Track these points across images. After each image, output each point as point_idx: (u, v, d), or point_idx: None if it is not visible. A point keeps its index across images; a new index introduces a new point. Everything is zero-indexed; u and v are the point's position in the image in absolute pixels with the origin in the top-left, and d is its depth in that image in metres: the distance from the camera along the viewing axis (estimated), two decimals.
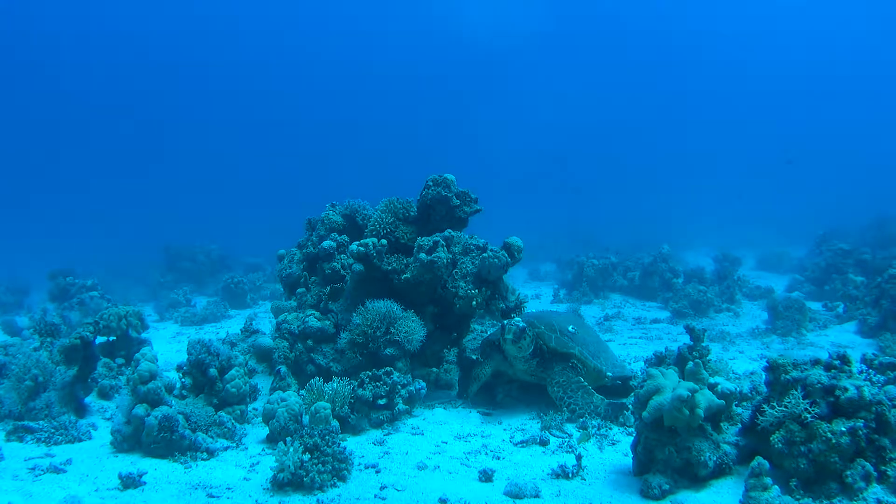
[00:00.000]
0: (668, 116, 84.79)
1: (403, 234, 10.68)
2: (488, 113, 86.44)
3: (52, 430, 8.69)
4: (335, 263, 11.14)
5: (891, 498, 5.95)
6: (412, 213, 10.87)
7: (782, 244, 29.95)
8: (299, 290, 11.57)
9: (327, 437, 7.24)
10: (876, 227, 28.74)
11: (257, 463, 7.82)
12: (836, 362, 6.84)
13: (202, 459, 7.94)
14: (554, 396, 9.15)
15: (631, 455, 7.32)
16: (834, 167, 61.56)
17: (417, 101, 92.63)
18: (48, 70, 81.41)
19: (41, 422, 8.93)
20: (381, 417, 8.93)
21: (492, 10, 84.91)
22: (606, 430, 8.50)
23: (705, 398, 6.70)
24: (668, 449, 6.67)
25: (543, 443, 8.20)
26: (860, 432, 6.15)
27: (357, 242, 10.25)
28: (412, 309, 10.00)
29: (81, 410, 9.72)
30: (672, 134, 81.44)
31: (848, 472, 6.07)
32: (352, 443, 8.12)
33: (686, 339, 9.93)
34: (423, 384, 9.43)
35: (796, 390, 6.55)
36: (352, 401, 8.81)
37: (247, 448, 8.36)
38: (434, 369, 10.63)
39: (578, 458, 7.35)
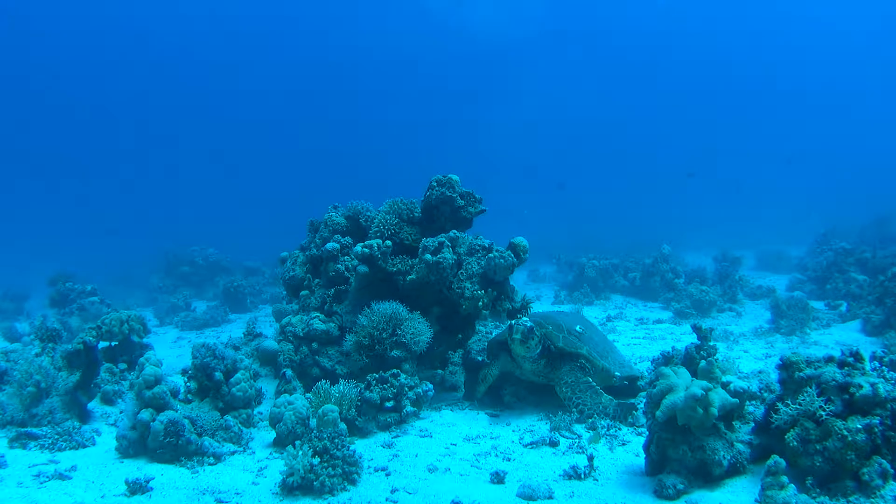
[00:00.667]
0: (667, 116, 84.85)
1: (408, 236, 10.62)
2: (489, 113, 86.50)
3: (56, 437, 8.60)
4: (339, 265, 11.07)
5: None
6: (416, 214, 10.82)
7: (780, 244, 29.94)
8: (303, 293, 11.49)
9: (336, 440, 7.17)
10: (876, 225, 28.73)
11: (265, 467, 7.73)
12: (850, 359, 6.77)
13: (209, 464, 7.85)
14: (562, 397, 9.09)
15: (643, 455, 7.26)
16: (830, 167, 61.65)
17: (419, 101, 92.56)
18: (47, 71, 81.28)
19: (44, 428, 8.83)
20: (388, 420, 8.86)
21: (493, 9, 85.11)
22: (616, 431, 8.43)
23: (719, 397, 6.63)
24: (681, 448, 6.61)
25: (553, 444, 8.13)
26: (876, 429, 6.08)
27: (361, 244, 10.20)
28: (417, 310, 9.94)
29: (85, 416, 9.62)
30: (670, 134, 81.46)
31: (864, 470, 6.00)
32: (360, 446, 8.04)
33: (690, 338, 9.89)
34: (431, 386, 9.34)
35: (810, 388, 6.49)
36: (359, 403, 8.74)
37: (254, 452, 8.28)
38: (439, 371, 10.58)
39: (590, 458, 7.29)
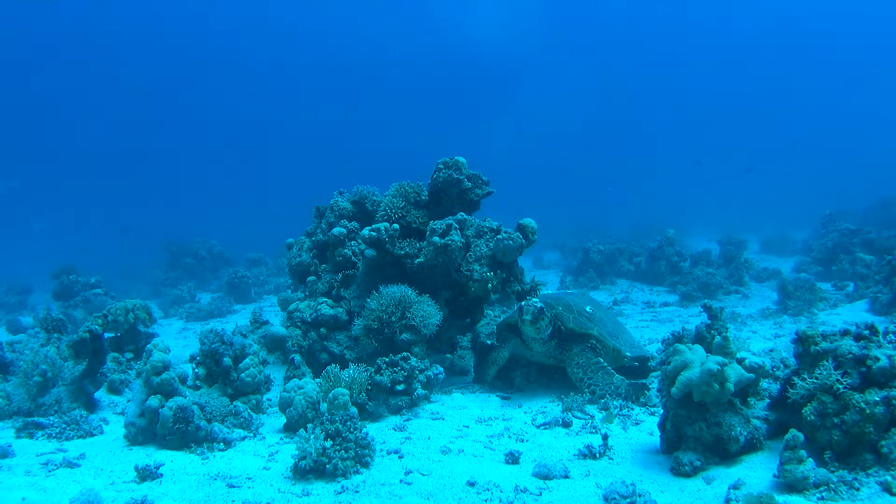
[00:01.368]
0: (668, 106, 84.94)
1: (415, 219, 10.55)
2: (490, 104, 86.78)
3: (64, 426, 8.54)
4: (346, 250, 11.00)
5: None
6: (423, 197, 10.74)
7: (783, 228, 29.89)
8: (310, 279, 11.43)
9: (349, 423, 7.10)
10: (880, 207, 28.66)
11: (276, 452, 7.67)
12: (865, 332, 6.70)
13: (219, 450, 7.79)
14: (574, 377, 9.03)
15: (657, 434, 7.21)
16: (831, 152, 61.72)
17: (423, 99, 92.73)
18: (49, 65, 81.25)
19: (51, 417, 8.78)
20: (399, 403, 8.79)
21: (491, 9, 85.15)
22: (629, 411, 8.38)
23: (735, 372, 6.56)
24: (698, 425, 6.54)
25: (566, 424, 8.07)
26: (894, 402, 6.00)
27: (369, 227, 10.13)
28: (426, 294, 9.87)
29: (91, 405, 9.57)
30: (670, 121, 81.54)
31: (883, 443, 5.93)
32: (371, 429, 7.96)
33: (697, 320, 9.84)
34: (441, 369, 9.27)
35: (827, 361, 6.42)
36: (369, 387, 8.67)
37: (264, 438, 8.22)
38: (448, 355, 10.54)
39: (605, 437, 7.22)
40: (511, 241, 9.73)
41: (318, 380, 8.93)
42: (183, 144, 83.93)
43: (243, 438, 8.15)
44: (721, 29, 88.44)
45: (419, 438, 7.87)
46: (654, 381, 9.10)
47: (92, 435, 8.52)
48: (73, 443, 8.25)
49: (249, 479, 6.92)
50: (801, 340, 6.81)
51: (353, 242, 11.12)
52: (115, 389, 10.35)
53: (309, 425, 7.19)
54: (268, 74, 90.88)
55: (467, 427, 8.23)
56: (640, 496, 5.87)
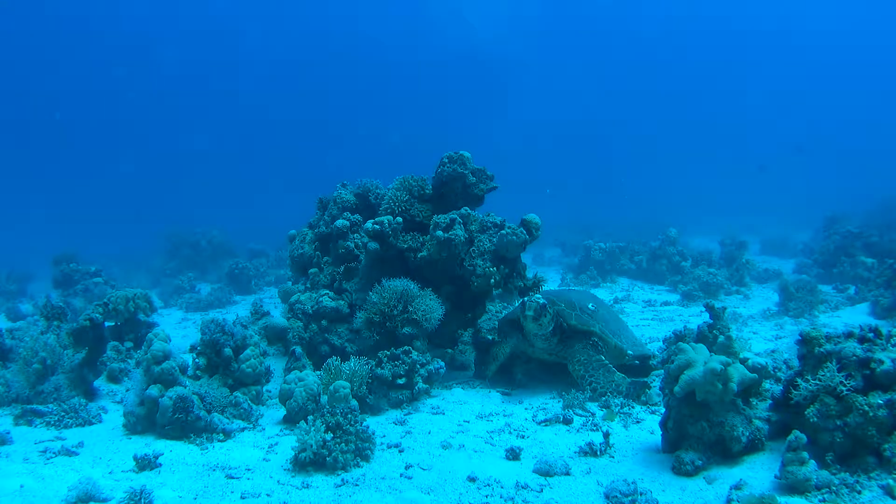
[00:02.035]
0: (670, 108, 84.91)
1: (419, 212, 10.51)
2: (491, 100, 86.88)
3: (63, 414, 8.51)
4: (349, 242, 10.98)
5: None
6: (427, 191, 10.70)
7: (785, 229, 29.88)
8: (312, 271, 11.40)
9: (349, 416, 7.09)
10: (882, 211, 28.60)
11: (276, 444, 7.65)
12: (870, 335, 6.68)
13: (218, 441, 7.78)
14: (575, 375, 9.01)
15: (658, 433, 7.20)
16: (833, 156, 61.76)
17: (426, 95, 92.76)
18: (47, 55, 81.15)
19: (50, 405, 8.74)
20: (400, 397, 8.77)
21: (491, 5, 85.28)
22: (629, 409, 8.36)
23: (738, 372, 6.55)
24: (700, 424, 6.53)
25: (567, 421, 8.06)
26: None
27: (372, 220, 10.10)
28: (428, 288, 9.84)
29: (91, 394, 9.55)
30: (672, 123, 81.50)
31: (886, 446, 5.91)
32: (372, 423, 7.92)
33: (698, 320, 9.81)
34: (442, 364, 9.26)
35: (831, 363, 6.40)
36: (370, 381, 8.65)
37: (264, 429, 8.20)
38: (449, 350, 10.52)
39: (606, 435, 7.20)
40: (515, 237, 9.69)
41: (318, 372, 8.91)
42: (187, 133, 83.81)
43: (243, 429, 8.14)
44: (725, 28, 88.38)
45: (420, 433, 7.85)
46: (655, 380, 9.09)
47: (91, 423, 8.50)
48: (72, 431, 8.23)
49: (248, 470, 6.90)
50: (806, 342, 6.78)
51: (355, 235, 11.09)
52: (114, 378, 10.33)
53: (309, 417, 7.14)
54: (271, 67, 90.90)
55: (468, 422, 8.21)
56: (641, 495, 5.86)
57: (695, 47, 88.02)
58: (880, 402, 5.98)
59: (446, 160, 10.48)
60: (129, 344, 11.24)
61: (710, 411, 6.54)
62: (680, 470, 6.44)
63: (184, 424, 7.76)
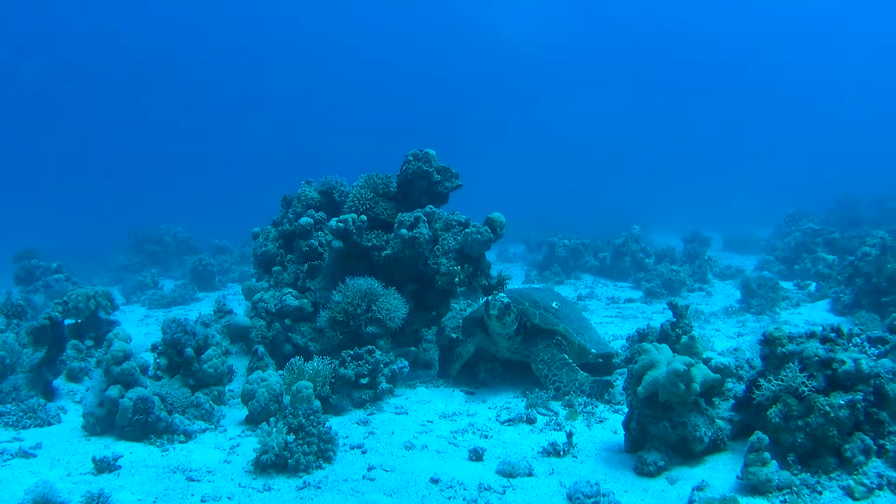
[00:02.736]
0: (634, 102, 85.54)
1: (383, 210, 10.46)
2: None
3: (21, 414, 8.39)
4: (313, 241, 10.90)
5: (890, 472, 5.82)
6: (392, 189, 10.65)
7: (747, 226, 30.12)
8: (275, 269, 11.31)
9: (311, 417, 7.03)
10: (841, 207, 28.92)
11: (237, 445, 7.58)
12: (832, 335, 6.73)
13: (179, 442, 7.70)
14: (538, 374, 9.01)
15: (621, 432, 7.23)
16: (797, 152, 62.47)
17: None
18: (8, 51, 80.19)
19: (8, 405, 8.60)
20: (363, 397, 8.72)
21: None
22: (593, 408, 8.37)
23: (701, 372, 6.56)
24: (663, 424, 6.54)
25: (530, 421, 8.05)
26: (859, 405, 6.02)
27: (336, 218, 10.03)
28: (392, 286, 9.79)
29: (50, 393, 9.43)
30: (640, 123, 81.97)
31: (847, 447, 5.94)
32: (335, 423, 7.87)
33: (661, 317, 9.83)
34: (406, 363, 9.21)
35: (793, 363, 6.43)
36: (333, 380, 8.59)
37: (225, 430, 8.13)
38: (413, 348, 10.48)
39: (569, 435, 7.20)
40: (479, 236, 9.66)
41: (281, 371, 8.85)
42: (151, 128, 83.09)
43: (204, 430, 8.06)
44: (688, 28, 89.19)
45: (383, 433, 7.82)
46: (618, 379, 9.11)
47: (49, 424, 8.40)
48: (30, 431, 8.13)
49: (210, 472, 6.84)
50: (768, 342, 6.81)
51: (319, 233, 11.01)
52: (74, 377, 10.21)
53: (271, 419, 7.09)
54: (239, 57, 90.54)
55: (431, 422, 8.19)
56: (604, 496, 5.86)
57: (658, 44, 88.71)
58: (841, 402, 6.01)
59: (411, 158, 10.43)
60: (89, 342, 11.11)
61: (672, 412, 6.55)
62: (642, 470, 6.45)
63: (144, 425, 7.68)
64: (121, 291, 20.64)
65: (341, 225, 9.89)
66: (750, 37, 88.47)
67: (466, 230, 9.77)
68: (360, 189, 10.56)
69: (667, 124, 79.62)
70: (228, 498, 6.23)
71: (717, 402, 7.22)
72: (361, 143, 71.99)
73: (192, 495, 6.28)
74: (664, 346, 6.95)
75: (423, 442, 7.51)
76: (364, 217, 10.08)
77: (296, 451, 6.71)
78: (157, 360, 8.98)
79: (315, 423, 6.98)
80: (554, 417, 8.16)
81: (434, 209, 10.18)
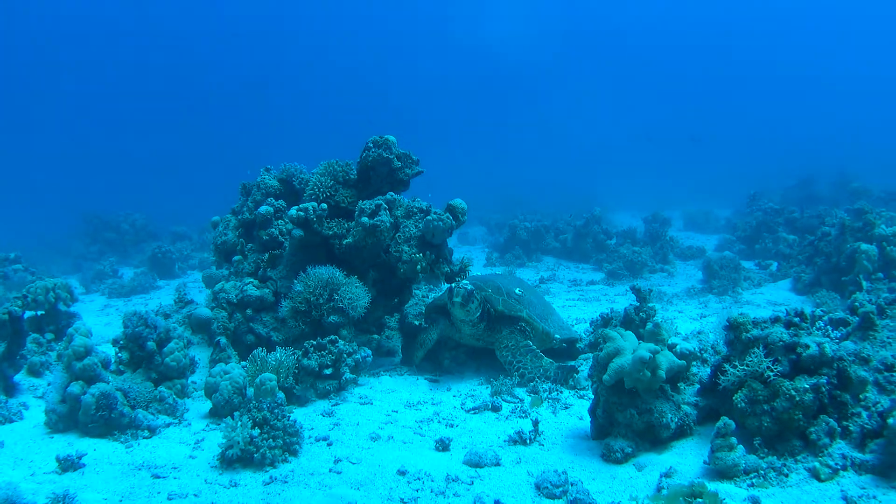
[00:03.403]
0: (597, 75, 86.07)
1: (343, 198, 10.36)
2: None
3: None
4: (273, 229, 10.79)
5: (855, 453, 5.88)
6: (352, 176, 10.55)
7: (707, 204, 30.31)
8: (235, 258, 11.18)
9: (276, 411, 6.97)
10: (799, 187, 29.20)
11: (202, 440, 7.49)
12: (796, 319, 6.78)
13: (144, 438, 7.60)
14: (503, 361, 9.01)
15: (587, 419, 7.26)
16: (758, 130, 63.07)
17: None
18: None
19: None
20: (327, 387, 8.67)
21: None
22: (558, 394, 8.39)
23: (666, 359, 6.57)
24: (629, 411, 6.55)
25: (496, 409, 8.04)
26: (823, 389, 6.07)
27: (296, 207, 9.93)
28: (354, 275, 9.73)
29: (11, 389, 9.27)
30: (602, 103, 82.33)
31: (812, 430, 6.00)
32: (299, 415, 7.84)
33: (624, 299, 9.84)
34: (370, 352, 9.15)
35: (758, 348, 6.46)
36: (296, 371, 8.53)
37: (190, 424, 8.03)
38: (375, 336, 10.45)
39: (535, 423, 7.20)
40: (441, 223, 9.61)
41: (244, 363, 8.78)
42: (107, 110, 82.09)
43: (168, 425, 7.96)
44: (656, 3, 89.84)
45: (348, 424, 7.77)
46: (583, 364, 9.15)
47: (11, 421, 8.24)
48: None
49: (175, 468, 6.75)
50: (733, 327, 6.85)
51: (280, 222, 10.91)
52: (35, 372, 10.06)
53: (236, 413, 7.02)
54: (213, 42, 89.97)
55: (396, 412, 8.16)
56: (572, 485, 5.87)
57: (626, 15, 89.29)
58: (806, 386, 6.05)
59: (371, 144, 10.33)
60: (49, 335, 10.94)
61: (638, 399, 6.57)
62: (610, 457, 6.47)
63: (108, 422, 7.57)
64: (80, 281, 20.37)
65: (302, 213, 9.80)
66: (707, 12, 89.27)
67: (428, 217, 9.71)
68: (320, 177, 10.46)
69: (632, 113, 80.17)
70: (195, 495, 6.15)
71: (682, 388, 7.23)
72: (327, 131, 71.84)
73: (159, 493, 6.20)
74: (629, 333, 6.96)
75: (388, 433, 7.48)
76: (325, 205, 9.99)
77: (261, 446, 6.65)
78: (119, 355, 8.86)
79: (280, 417, 6.92)
80: (519, 404, 8.16)
81: (395, 196, 10.11)
